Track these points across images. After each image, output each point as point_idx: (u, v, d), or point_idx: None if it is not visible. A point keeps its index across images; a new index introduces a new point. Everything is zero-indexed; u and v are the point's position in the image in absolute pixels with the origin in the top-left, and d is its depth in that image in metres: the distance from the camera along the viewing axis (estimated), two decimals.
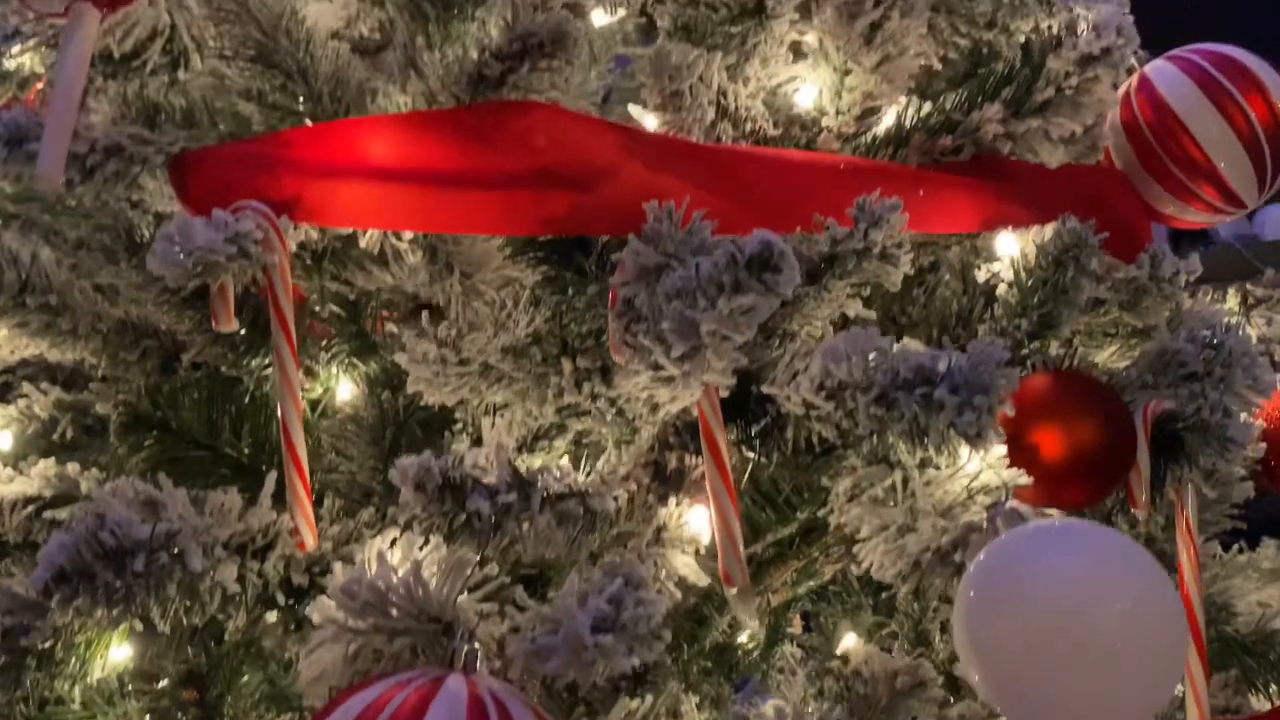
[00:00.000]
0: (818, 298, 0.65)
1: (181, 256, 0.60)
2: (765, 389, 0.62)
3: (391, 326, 0.80)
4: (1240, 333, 0.82)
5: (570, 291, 0.72)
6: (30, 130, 0.71)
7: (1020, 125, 0.80)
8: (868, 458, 0.61)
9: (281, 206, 0.68)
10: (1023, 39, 1.05)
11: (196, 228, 0.61)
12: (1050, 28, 0.78)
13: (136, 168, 0.75)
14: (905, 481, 0.58)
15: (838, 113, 0.78)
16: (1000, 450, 0.58)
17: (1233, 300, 0.92)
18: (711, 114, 0.74)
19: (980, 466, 0.58)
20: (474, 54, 0.69)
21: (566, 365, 0.69)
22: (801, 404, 0.60)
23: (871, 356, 0.55)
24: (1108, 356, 0.89)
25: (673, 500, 0.61)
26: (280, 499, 0.69)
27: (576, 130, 0.71)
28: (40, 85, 0.94)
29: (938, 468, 0.58)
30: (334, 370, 0.89)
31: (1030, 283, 0.73)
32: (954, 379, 0.52)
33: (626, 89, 1.00)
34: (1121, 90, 0.91)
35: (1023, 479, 0.58)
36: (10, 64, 0.91)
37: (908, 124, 0.82)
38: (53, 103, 0.69)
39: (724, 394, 0.62)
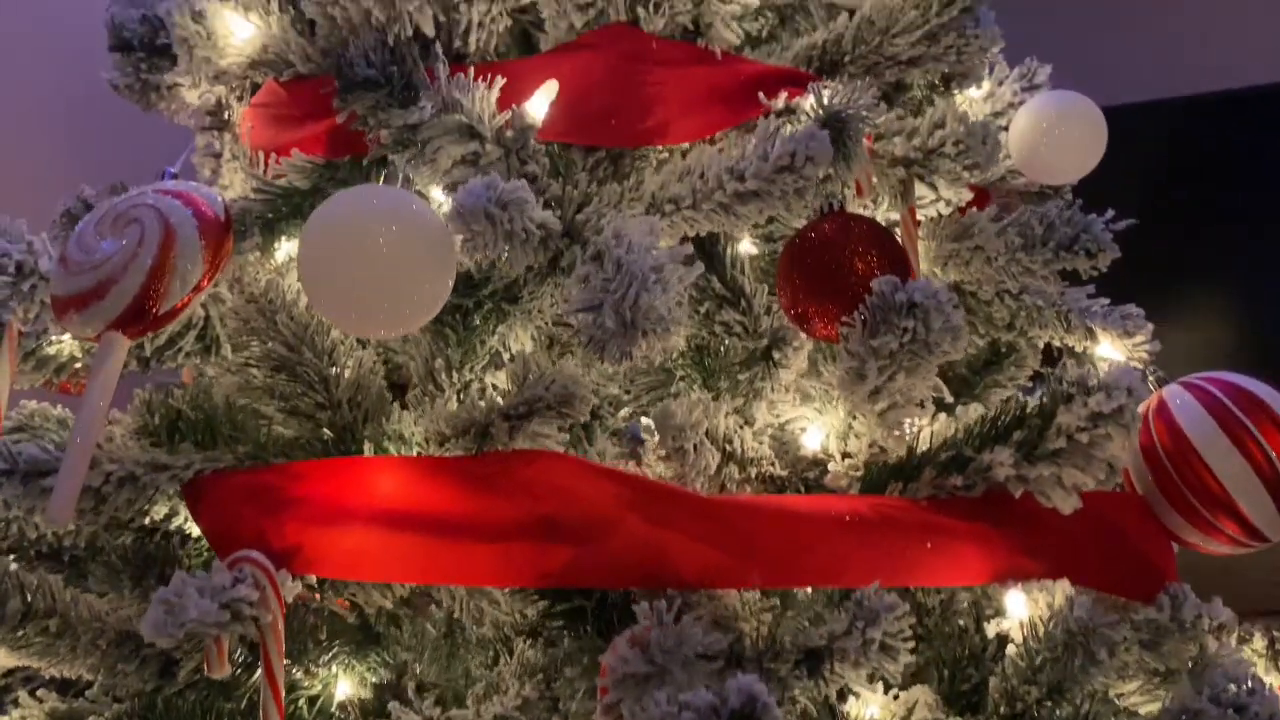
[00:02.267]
0: (818, 683, 0.63)
1: (174, 627, 0.61)
2: None
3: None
4: (1266, 692, 0.79)
5: (565, 641, 0.71)
6: (46, 464, 0.73)
7: (1032, 470, 0.79)
8: None
9: (282, 556, 0.68)
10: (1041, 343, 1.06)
11: (191, 597, 0.62)
12: (1062, 380, 0.78)
13: (150, 492, 0.76)
14: None
15: (845, 455, 0.78)
16: None
17: (1259, 642, 0.89)
18: (717, 460, 0.74)
19: None
20: (481, 413, 0.70)
21: None
22: None
23: None
24: (1130, 692, 0.85)
25: None
26: None
27: (578, 480, 0.72)
28: (79, 366, 0.97)
29: None
30: (334, 669, 0.89)
31: (1038, 659, 0.71)
32: None
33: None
34: (1140, 412, 0.91)
35: None
36: (51, 349, 0.94)
37: (919, 454, 0.82)
38: (71, 438, 0.71)
39: None
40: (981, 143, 0.88)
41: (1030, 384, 1.16)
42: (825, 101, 0.79)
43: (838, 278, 0.75)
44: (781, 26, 1.08)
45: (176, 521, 0.91)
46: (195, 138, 0.91)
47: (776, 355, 0.79)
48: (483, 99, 0.74)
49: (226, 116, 0.91)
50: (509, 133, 0.76)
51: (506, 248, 0.67)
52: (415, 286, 0.64)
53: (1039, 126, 1.04)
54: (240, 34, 0.94)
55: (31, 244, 0.83)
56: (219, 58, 0.93)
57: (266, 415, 0.87)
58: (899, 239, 0.89)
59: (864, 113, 0.78)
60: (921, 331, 0.69)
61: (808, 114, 0.79)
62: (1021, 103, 1.16)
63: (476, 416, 0.71)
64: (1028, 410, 0.82)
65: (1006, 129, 1.13)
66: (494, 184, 0.65)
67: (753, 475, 0.76)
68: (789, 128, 0.85)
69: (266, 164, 0.94)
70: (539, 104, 0.78)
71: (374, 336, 0.80)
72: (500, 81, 0.76)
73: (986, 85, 1.12)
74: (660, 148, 0.90)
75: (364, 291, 0.63)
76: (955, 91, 1.04)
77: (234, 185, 0.90)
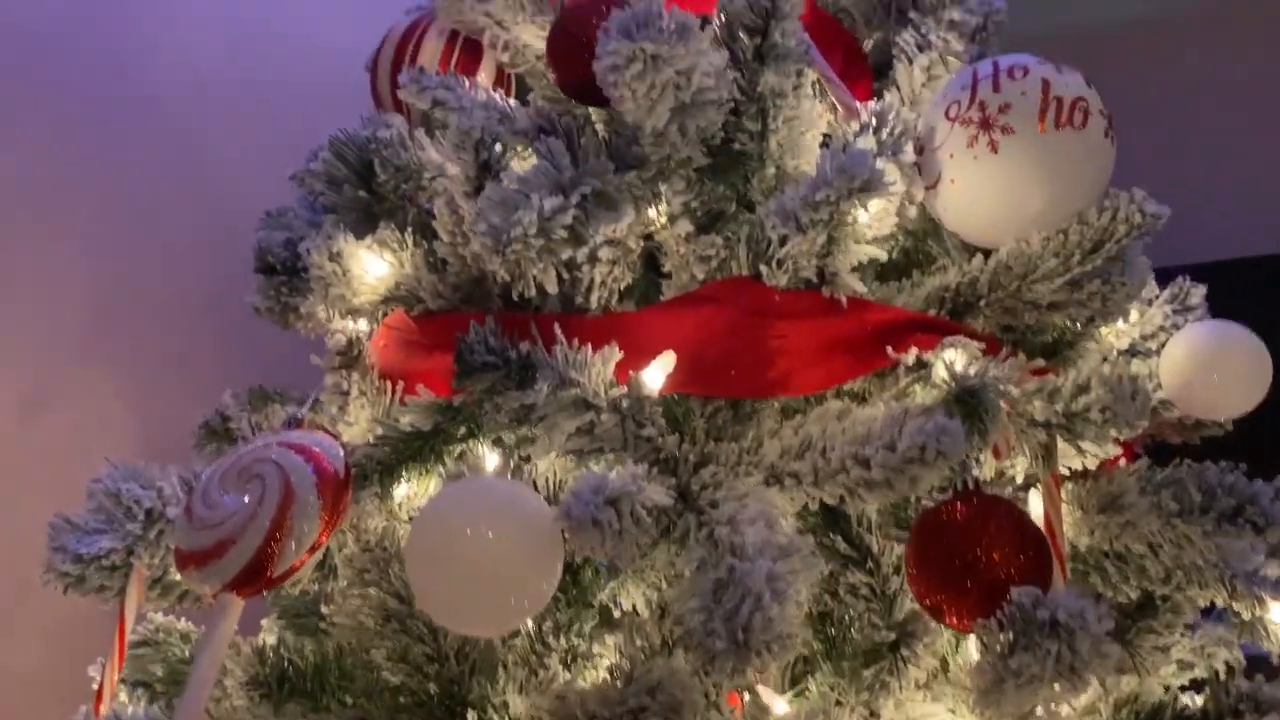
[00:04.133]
0: None
1: None
2: None
3: None
4: None
5: None
6: None
7: None
8: None
9: None
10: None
11: None
12: (1229, 689, 0.70)
13: None
14: None
15: None
16: None
17: None
18: None
19: None
20: (581, 715, 0.67)
21: None
22: None
23: None
24: None
25: None
26: None
27: None
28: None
29: None
30: None
31: None
32: None
33: None
34: None
35: None
36: (176, 576, 0.96)
37: None
38: (178, 710, 0.71)
39: None
40: (1130, 399, 0.82)
41: (1188, 632, 1.05)
42: (958, 372, 0.75)
43: (973, 569, 0.70)
44: (914, 247, 1.04)
45: None
46: (325, 377, 0.93)
47: (905, 652, 0.73)
48: (599, 373, 0.73)
49: (356, 353, 0.93)
50: (625, 402, 0.74)
51: (615, 545, 0.64)
52: (521, 589, 0.62)
53: (1195, 360, 0.97)
54: (374, 271, 0.96)
55: (162, 490, 0.85)
56: (353, 296, 0.95)
57: (375, 662, 0.86)
58: (1041, 503, 0.83)
59: (1000, 386, 0.74)
60: (1066, 655, 0.62)
61: (937, 386, 0.75)
62: (1174, 326, 1.09)
63: (577, 716, 0.67)
64: (1187, 712, 0.74)
65: (1157, 353, 1.07)
66: (602, 486, 0.63)
67: None
68: (919, 391, 0.81)
69: (394, 391, 0.95)
70: (656, 374, 0.77)
71: (479, 635, 0.79)
72: (617, 356, 0.75)
73: (1135, 312, 1.06)
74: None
75: (469, 596, 0.62)
76: (1099, 326, 0.98)
77: (359, 422, 0.92)
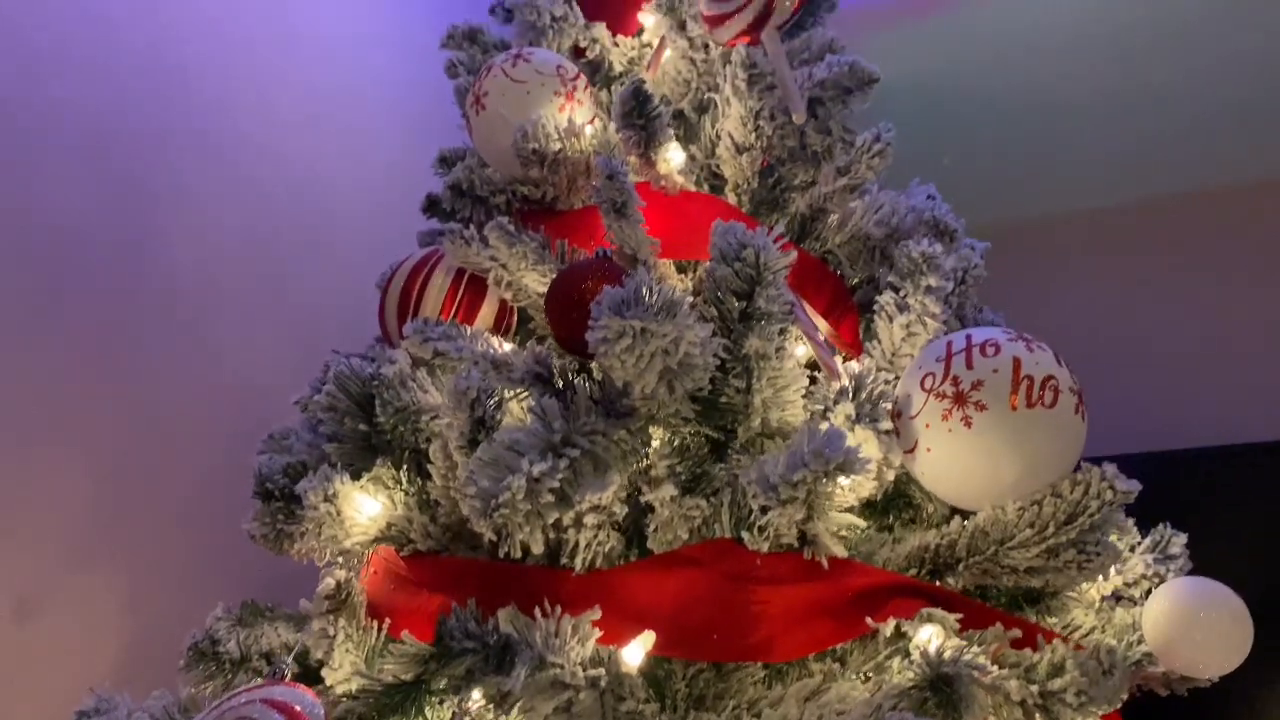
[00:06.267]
0: None
1: None
2: None
3: None
4: None
5: None
6: None
7: None
8: None
9: None
10: None
11: None
12: None
13: None
14: None
15: None
16: None
17: None
18: None
19: None
20: None
21: None
22: None
23: None
24: None
25: None
26: None
27: None
28: None
29: None
30: None
31: None
32: None
33: None
34: None
35: None
36: None
37: None
38: None
39: None
40: (1106, 676, 0.82)
41: None
42: (933, 657, 0.76)
43: None
44: (895, 491, 1.06)
45: None
46: (312, 623, 0.94)
47: None
48: (577, 655, 0.74)
49: (344, 597, 0.94)
50: (604, 680, 0.75)
51: None
52: None
53: (1176, 620, 0.97)
54: (367, 511, 0.99)
55: None
56: (345, 537, 0.97)
57: None
58: None
59: (974, 672, 0.75)
60: None
61: (913, 666, 0.76)
62: (1155, 575, 1.10)
63: None
64: None
65: (1143, 598, 1.07)
66: None
67: None
68: (896, 666, 0.82)
69: (379, 631, 0.96)
70: (635, 652, 0.78)
71: None
72: (596, 635, 0.77)
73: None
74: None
75: None
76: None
77: (343, 666, 0.92)
